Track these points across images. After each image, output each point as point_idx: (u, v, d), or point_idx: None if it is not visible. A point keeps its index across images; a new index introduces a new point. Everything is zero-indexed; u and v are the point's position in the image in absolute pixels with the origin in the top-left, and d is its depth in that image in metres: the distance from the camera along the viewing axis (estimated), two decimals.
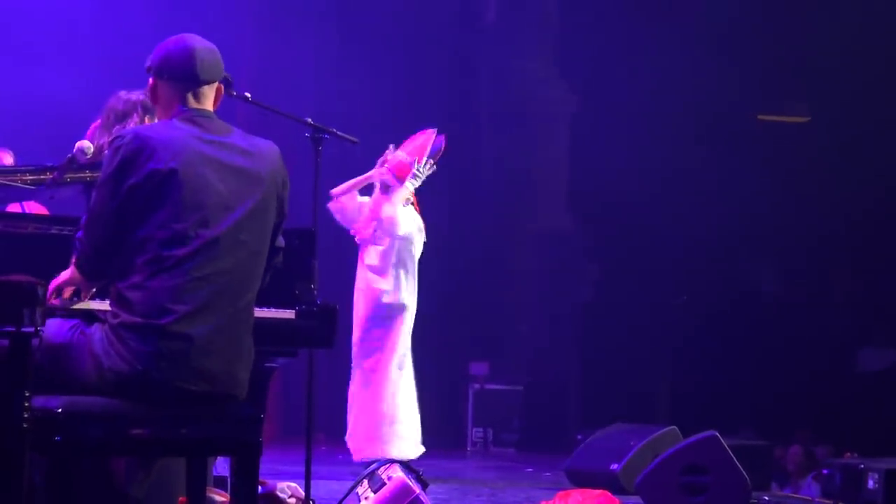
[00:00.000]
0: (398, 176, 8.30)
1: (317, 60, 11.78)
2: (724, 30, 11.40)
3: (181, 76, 4.23)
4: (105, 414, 4.02)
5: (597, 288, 12.11)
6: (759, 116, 11.90)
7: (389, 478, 5.58)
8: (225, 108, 5.41)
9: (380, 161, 8.35)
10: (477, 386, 11.51)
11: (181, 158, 4.06)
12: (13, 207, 5.73)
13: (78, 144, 4.93)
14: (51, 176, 4.96)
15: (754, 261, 11.62)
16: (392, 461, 5.80)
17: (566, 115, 12.33)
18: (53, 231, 4.64)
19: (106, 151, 4.26)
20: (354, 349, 8.44)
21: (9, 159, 8.63)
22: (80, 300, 4.33)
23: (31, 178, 5.00)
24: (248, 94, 5.62)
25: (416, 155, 8.29)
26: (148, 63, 4.29)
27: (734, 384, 10.99)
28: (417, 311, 8.84)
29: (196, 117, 4.22)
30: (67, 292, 4.28)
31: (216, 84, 4.31)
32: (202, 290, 4.05)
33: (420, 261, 9.32)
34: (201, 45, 4.27)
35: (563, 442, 10.17)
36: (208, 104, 4.29)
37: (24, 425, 3.80)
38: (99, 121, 5.45)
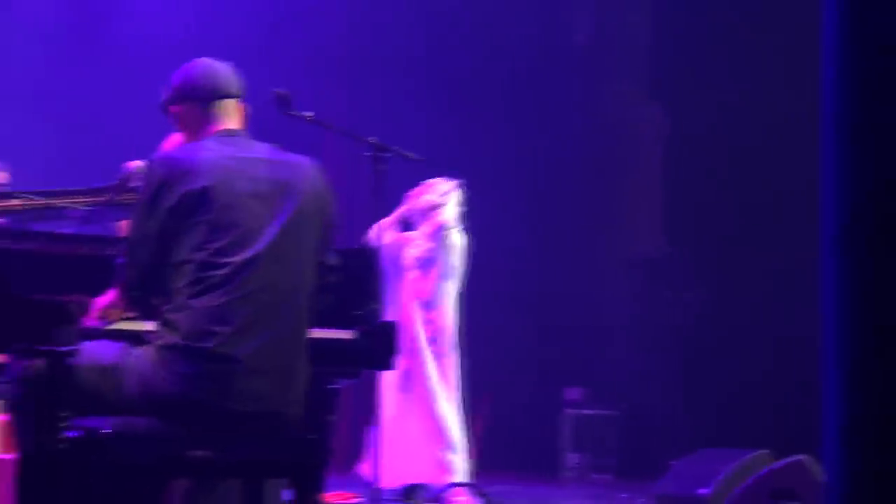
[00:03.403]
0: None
1: (404, 86, 11.73)
2: (814, 39, 11.15)
3: (203, 93, 4.21)
4: (152, 435, 3.97)
5: (695, 311, 11.90)
6: None
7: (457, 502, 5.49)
8: (286, 128, 5.39)
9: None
10: (572, 411, 11.37)
11: (214, 178, 4.03)
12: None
13: (130, 165, 4.91)
14: (105, 198, 4.96)
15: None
16: (458, 484, 5.70)
17: (659, 138, 12.17)
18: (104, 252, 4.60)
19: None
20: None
21: None
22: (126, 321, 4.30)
23: (84, 199, 5.01)
24: (310, 114, 5.58)
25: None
26: (164, 97, 4.28)
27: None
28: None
29: (225, 136, 4.19)
30: (114, 315, 4.26)
31: (238, 101, 4.28)
32: (244, 310, 4.00)
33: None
34: (216, 63, 4.29)
35: (662, 468, 9.97)
36: (235, 122, 4.25)
37: (60, 445, 3.78)
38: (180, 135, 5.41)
